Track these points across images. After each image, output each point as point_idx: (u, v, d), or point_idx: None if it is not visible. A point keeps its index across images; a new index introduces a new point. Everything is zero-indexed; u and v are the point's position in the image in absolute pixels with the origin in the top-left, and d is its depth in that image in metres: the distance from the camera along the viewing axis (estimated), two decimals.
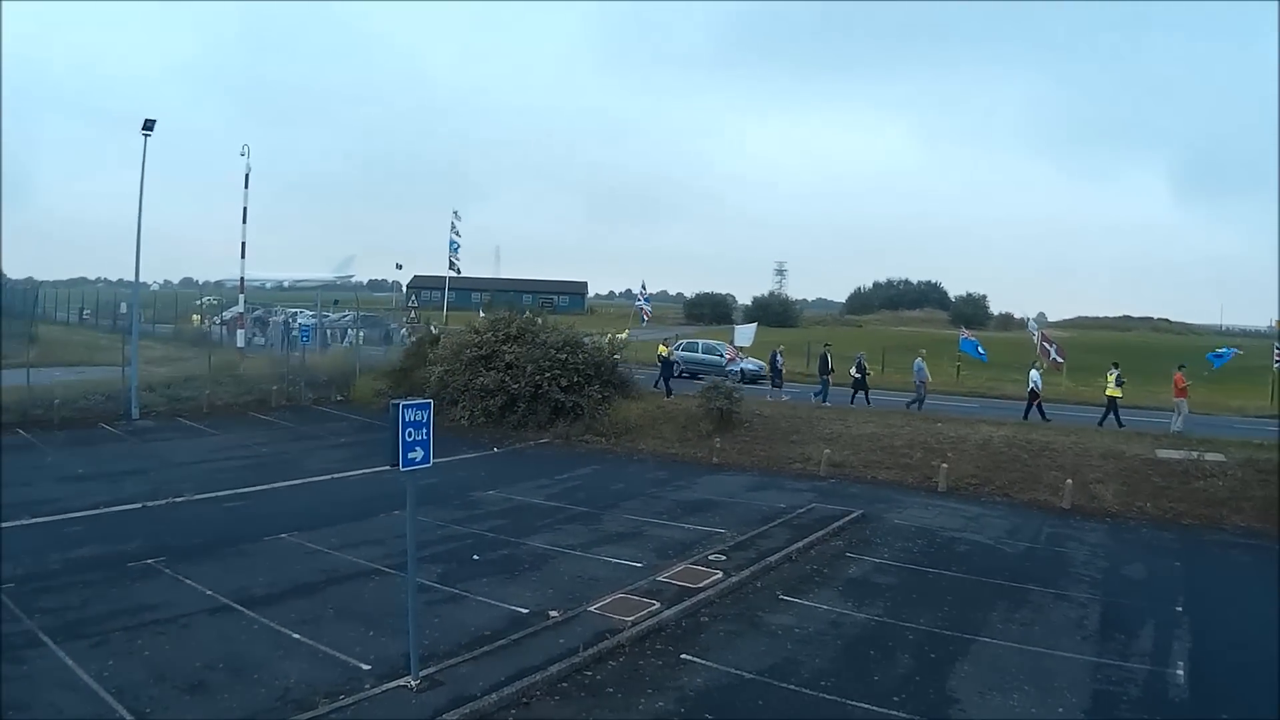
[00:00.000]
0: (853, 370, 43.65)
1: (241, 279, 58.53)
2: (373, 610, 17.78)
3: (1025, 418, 38.36)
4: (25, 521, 23.78)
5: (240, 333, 57.37)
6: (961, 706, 14.62)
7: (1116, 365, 38.59)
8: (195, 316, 72.60)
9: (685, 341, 55.40)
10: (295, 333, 54.74)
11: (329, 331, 64.25)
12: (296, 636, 16.46)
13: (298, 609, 17.96)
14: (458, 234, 66.17)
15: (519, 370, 40.88)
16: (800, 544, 23.60)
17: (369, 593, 19.11)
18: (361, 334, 61.03)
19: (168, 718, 13.26)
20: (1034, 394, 38.93)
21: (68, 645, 15.65)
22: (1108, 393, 37.93)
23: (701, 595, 19.29)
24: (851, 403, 42.15)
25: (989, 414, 40.12)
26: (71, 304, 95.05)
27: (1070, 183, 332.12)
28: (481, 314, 54.82)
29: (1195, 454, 31.55)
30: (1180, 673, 16.33)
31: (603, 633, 16.80)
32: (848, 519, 26.61)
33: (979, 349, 52.13)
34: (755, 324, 54.19)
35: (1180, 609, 19.96)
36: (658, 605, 18.43)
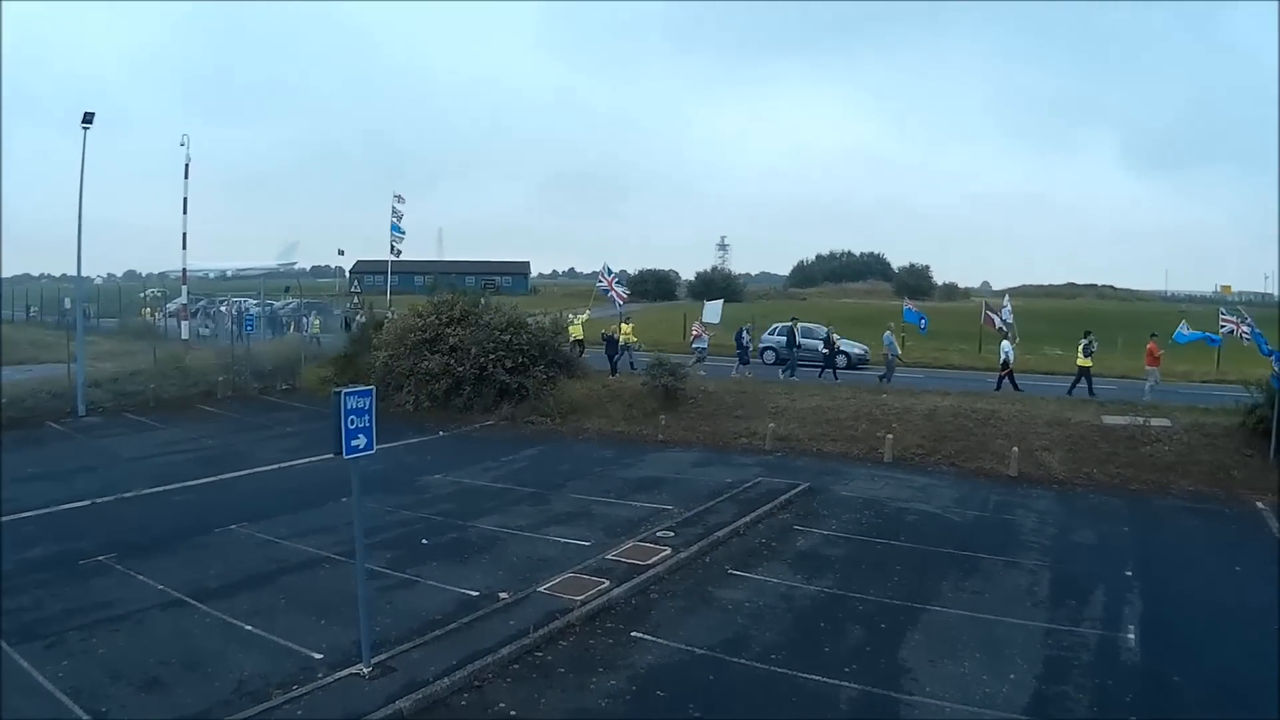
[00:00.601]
0: (820, 346, 43.95)
1: (184, 270, 58.19)
2: (324, 599, 17.82)
3: (998, 388, 38.70)
4: None
5: (185, 324, 56.90)
6: (913, 675, 14.85)
7: (1088, 334, 38.86)
8: (146, 310, 71.85)
9: (779, 326, 52.11)
10: (243, 321, 54.03)
11: (284, 320, 63.68)
12: (249, 628, 16.52)
13: (250, 600, 18.00)
14: (399, 218, 66.07)
15: (464, 353, 40.89)
16: (748, 518, 23.79)
17: (320, 581, 19.17)
18: (319, 320, 60.65)
19: (125, 717, 13.31)
20: (1006, 365, 39.29)
21: (23, 648, 15.63)
22: (1078, 362, 38.20)
23: (651, 572, 19.45)
24: (820, 377, 42.47)
25: (934, 385, 40.44)
26: (16, 302, 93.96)
27: (1022, 157, 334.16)
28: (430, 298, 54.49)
29: (1141, 419, 31.97)
30: (1131, 636, 16.62)
31: (553, 613, 16.93)
32: (795, 492, 26.76)
33: (922, 320, 52.48)
34: (722, 300, 53.49)
35: (1130, 573, 20.23)
36: (607, 584, 18.57)
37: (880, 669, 15.11)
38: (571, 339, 46.52)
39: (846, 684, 14.53)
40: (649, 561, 20.04)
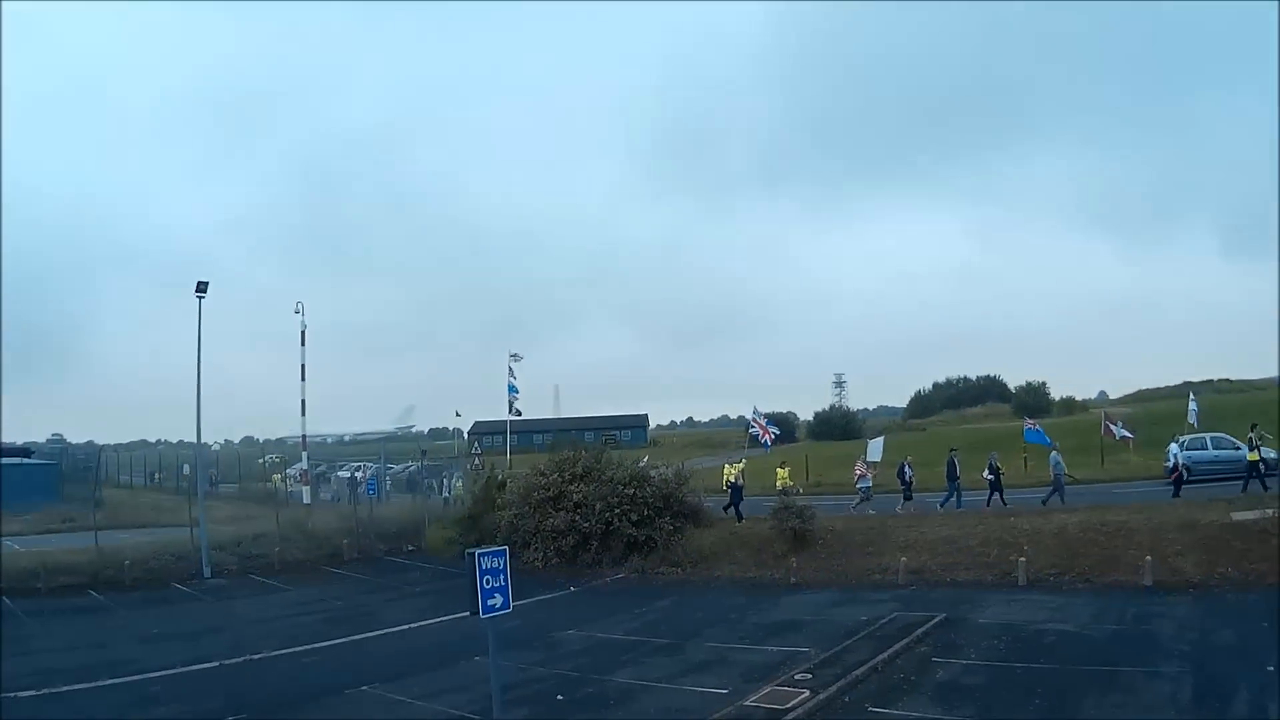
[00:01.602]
0: (985, 473, 42.85)
1: (304, 436, 59.16)
2: None
3: (1176, 495, 37.56)
4: (105, 682, 24.01)
5: (305, 489, 57.60)
6: None
7: (1254, 426, 37.96)
8: (276, 477, 73.14)
9: (1188, 439, 47.40)
10: (362, 487, 54.68)
11: (422, 481, 63.89)
12: None
13: None
14: (515, 376, 66.86)
15: (588, 508, 40.81)
16: (885, 654, 23.28)
17: None
18: (460, 482, 60.80)
19: None
20: (1174, 469, 38.56)
21: None
22: (1249, 457, 37.19)
23: (790, 716, 19.02)
24: (988, 505, 41.47)
25: (1053, 503, 39.92)
26: (134, 467, 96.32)
27: (1123, 257, 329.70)
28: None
29: (1270, 511, 31.20)
30: None
31: None
32: (931, 624, 26.26)
33: (1046, 437, 51.73)
34: (883, 438, 52.72)
35: (1273, 668, 19.70)
36: None
37: None
38: (725, 483, 46.78)
39: None
40: (788, 705, 19.56)
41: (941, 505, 42.55)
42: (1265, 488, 35.36)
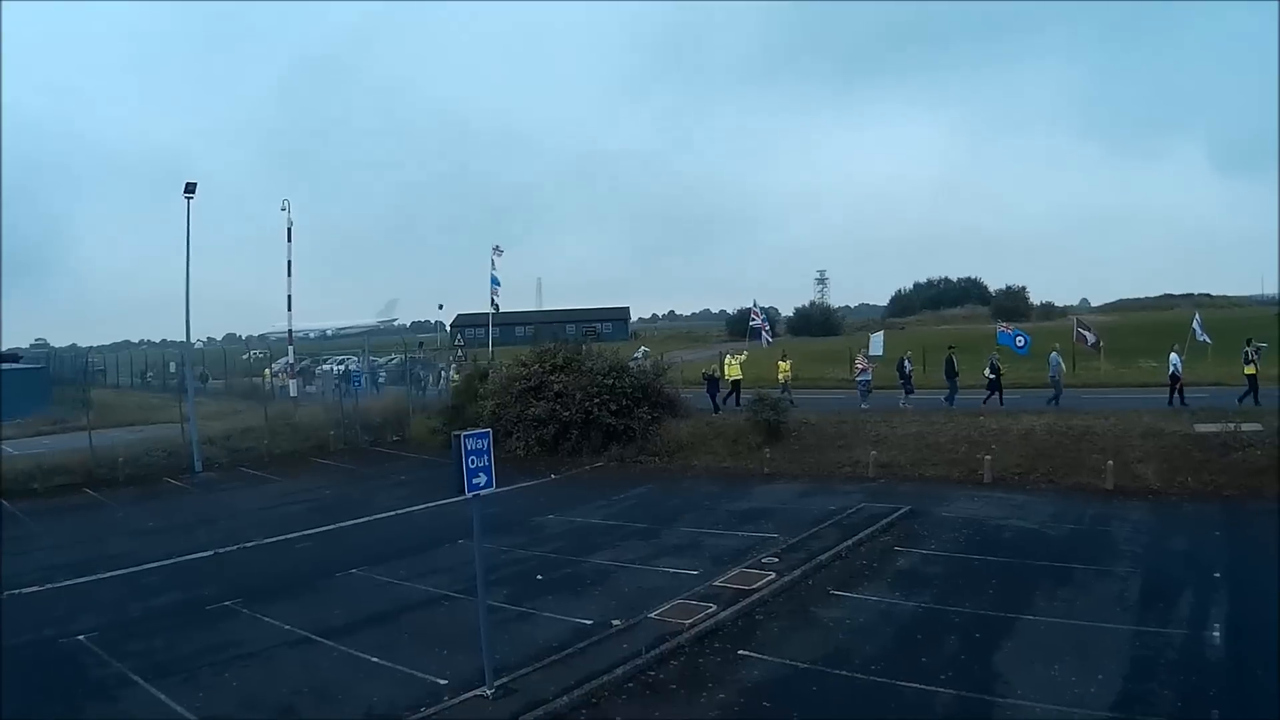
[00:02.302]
0: (986, 371, 42.70)
1: (290, 331, 59.64)
2: (445, 632, 18.78)
3: (1170, 404, 37.52)
4: (103, 575, 25.10)
5: (293, 383, 58.09)
6: (1005, 680, 15.46)
7: (1250, 341, 37.88)
8: (267, 371, 73.35)
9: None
10: (349, 381, 55.55)
11: (420, 375, 64.35)
12: (376, 660, 17.48)
13: (374, 636, 18.97)
14: (498, 269, 67.14)
15: (569, 398, 41.71)
16: (850, 542, 24.44)
17: (440, 616, 20.17)
18: (455, 371, 60.89)
19: None
20: (1175, 378, 38.37)
21: (158, 683, 16.77)
22: (1245, 371, 37.35)
23: (756, 596, 20.17)
24: (985, 404, 41.26)
25: (1031, 405, 40.20)
26: (120, 368, 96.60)
27: (1113, 168, 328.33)
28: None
29: (1232, 425, 32.08)
30: (1216, 635, 17.06)
31: (663, 636, 17.72)
32: (896, 515, 27.32)
33: (1018, 339, 51.64)
34: (882, 333, 51.82)
35: (1219, 575, 20.62)
36: (714, 608, 19.33)
37: (974, 675, 15.73)
38: (729, 379, 46.95)
39: (942, 690, 15.17)
40: (754, 586, 20.74)
41: (946, 400, 42.75)
42: (1257, 402, 35.80)
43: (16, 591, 23.41)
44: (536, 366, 43.73)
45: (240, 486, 39.25)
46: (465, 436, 15.00)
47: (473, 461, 14.98)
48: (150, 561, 26.35)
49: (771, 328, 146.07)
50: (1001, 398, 41.71)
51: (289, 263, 54.88)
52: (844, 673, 16.12)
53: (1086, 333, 48.49)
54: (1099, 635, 17.30)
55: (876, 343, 49.24)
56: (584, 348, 46.25)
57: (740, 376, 47.16)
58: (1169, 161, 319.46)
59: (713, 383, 46.72)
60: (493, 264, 66.02)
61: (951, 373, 43.36)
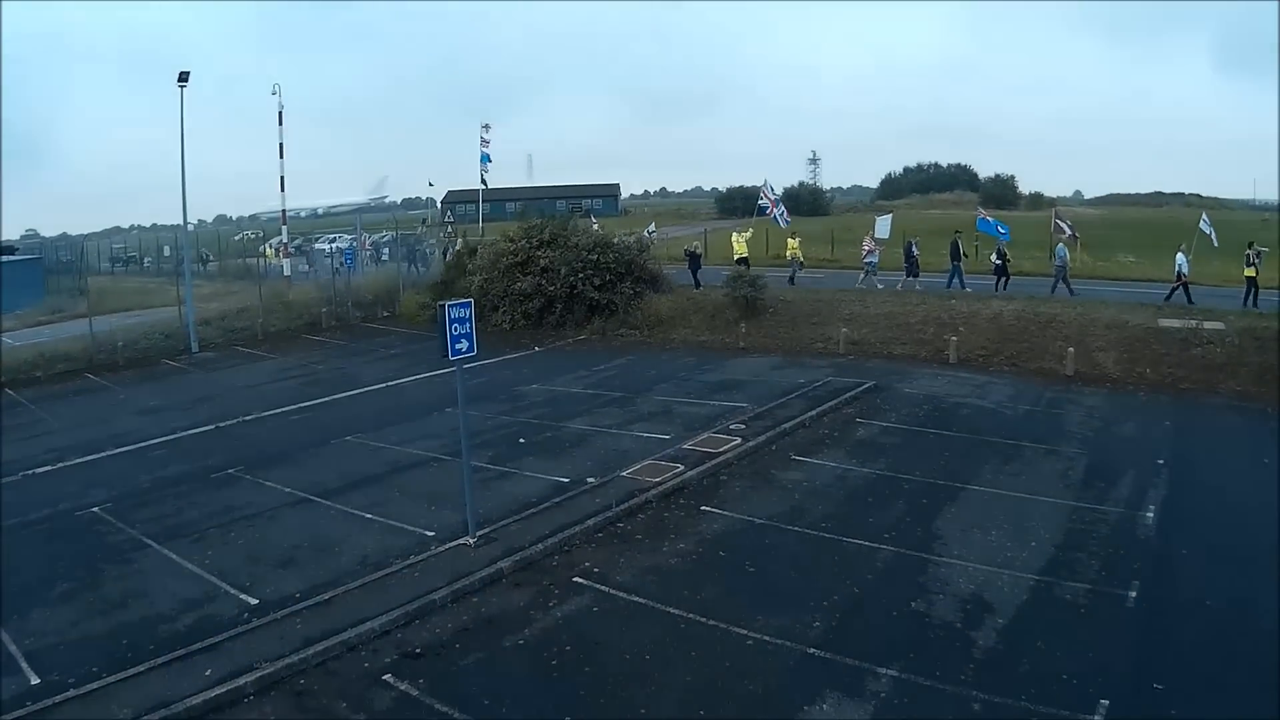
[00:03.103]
0: (993, 257, 43.00)
1: (283, 210, 60.45)
2: (433, 489, 20.40)
3: (1168, 299, 37.48)
4: (110, 452, 26.41)
5: (286, 262, 58.68)
6: (944, 541, 16.98)
7: (1252, 244, 37.76)
8: (267, 249, 73.78)
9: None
10: (346, 260, 56.15)
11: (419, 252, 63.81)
12: (369, 516, 19.15)
13: (367, 495, 20.60)
14: (488, 146, 67.79)
15: (554, 273, 42.98)
16: (813, 412, 25.89)
17: (428, 476, 21.71)
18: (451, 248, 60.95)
19: (267, 587, 15.90)
20: (1180, 276, 38.06)
21: (170, 544, 18.34)
22: (1245, 273, 37.18)
23: (721, 458, 21.76)
24: (996, 289, 41.05)
25: (1008, 290, 41.05)
26: (114, 255, 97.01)
27: (1113, 62, 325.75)
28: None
29: (1195, 322, 32.81)
30: (1150, 515, 18.29)
31: (633, 492, 19.42)
32: (860, 389, 28.65)
33: (999, 228, 51.53)
34: (890, 216, 51.01)
35: (1162, 462, 21.73)
36: (681, 468, 20.98)
37: (915, 536, 17.26)
38: (736, 256, 47.09)
39: (884, 547, 16.75)
40: (720, 450, 22.32)
41: (948, 285, 43.01)
42: (1255, 305, 35.84)
43: (31, 472, 24.65)
44: (523, 242, 44.77)
45: (237, 364, 40.45)
46: (449, 306, 16.32)
47: (455, 329, 16.33)
48: (155, 438, 27.60)
49: (760, 207, 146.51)
50: (1007, 283, 41.68)
51: (280, 145, 55.65)
52: (796, 528, 17.69)
53: (1063, 223, 48.97)
54: (1038, 507, 18.60)
55: (883, 225, 49.21)
56: (570, 223, 47.31)
57: (746, 254, 47.28)
58: (1169, 58, 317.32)
59: (694, 259, 47.74)
60: (482, 141, 66.66)
61: (957, 256, 43.84)
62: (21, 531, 19.73)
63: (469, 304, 16.92)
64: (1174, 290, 37.80)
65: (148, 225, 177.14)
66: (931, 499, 19.23)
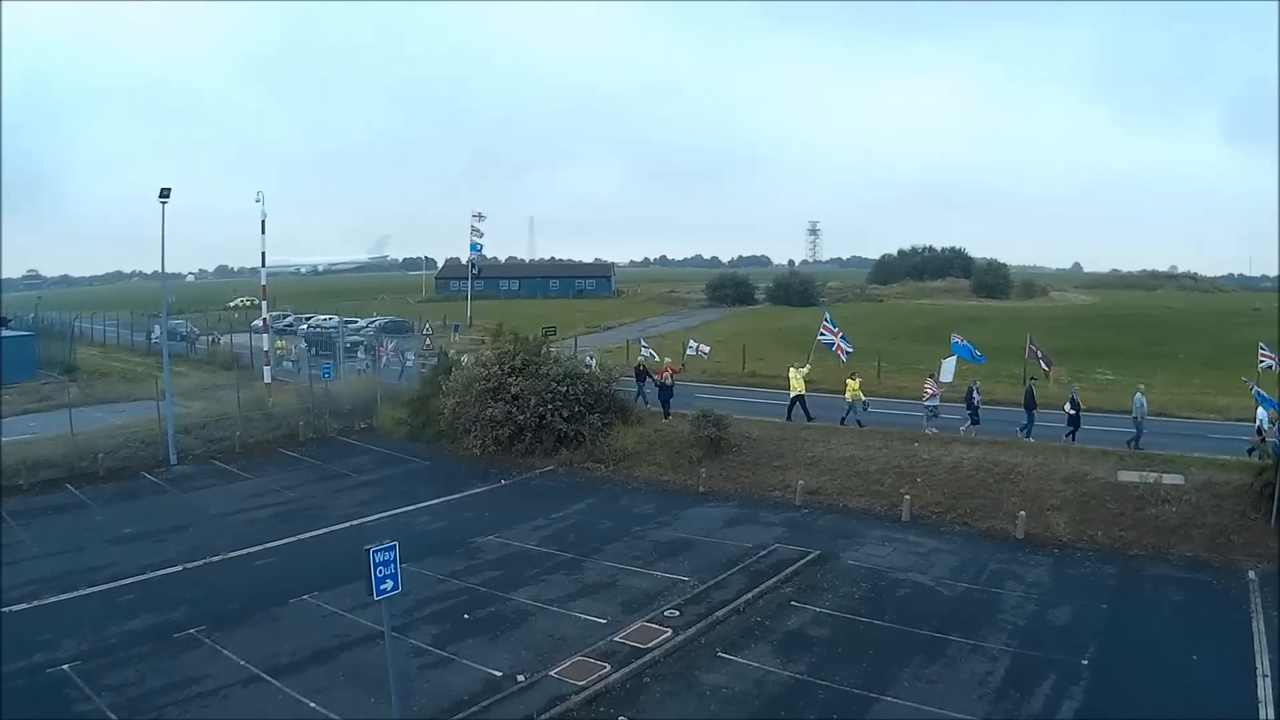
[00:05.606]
0: (1067, 406, 40.98)
1: (263, 286, 59.85)
2: (377, 676, 21.00)
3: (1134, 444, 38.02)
4: (83, 591, 27.72)
5: (266, 369, 58.50)
6: None
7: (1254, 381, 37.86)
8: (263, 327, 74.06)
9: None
10: (323, 371, 56.98)
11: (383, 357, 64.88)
12: (313, 705, 20.37)
13: (315, 677, 21.83)
14: (479, 236, 69.04)
15: (524, 402, 44.33)
16: (751, 594, 26.74)
17: (374, 658, 22.26)
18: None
19: None
20: (1137, 422, 38.35)
21: None
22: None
23: (649, 656, 22.69)
24: (1069, 439, 39.91)
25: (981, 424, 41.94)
26: (105, 323, 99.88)
27: (1118, 135, 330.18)
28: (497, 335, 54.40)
29: (1154, 476, 33.04)
30: None
31: (556, 698, 20.47)
32: (804, 561, 29.45)
33: (974, 353, 51.00)
34: (954, 358, 50.28)
35: (1085, 662, 22.23)
36: (608, 668, 21.91)
37: None
38: (792, 394, 46.30)
39: None
40: (650, 644, 23.27)
41: (1022, 431, 41.53)
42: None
43: (10, 609, 25.97)
44: (496, 368, 46.12)
45: (212, 484, 41.42)
46: (373, 550, 17.44)
47: (380, 570, 17.43)
48: (126, 577, 28.93)
49: (749, 295, 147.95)
50: (1075, 435, 40.23)
51: (263, 254, 56.38)
52: None
53: (1038, 351, 48.69)
54: None
55: (948, 369, 48.03)
56: (543, 350, 48.40)
57: (803, 392, 46.15)
58: (1178, 129, 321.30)
59: (641, 376, 49.55)
60: (473, 230, 67.85)
61: (1031, 404, 42.33)
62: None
63: (393, 547, 17.93)
64: (1134, 439, 38.15)
65: (148, 272, 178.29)
66: (844, 713, 19.89)
